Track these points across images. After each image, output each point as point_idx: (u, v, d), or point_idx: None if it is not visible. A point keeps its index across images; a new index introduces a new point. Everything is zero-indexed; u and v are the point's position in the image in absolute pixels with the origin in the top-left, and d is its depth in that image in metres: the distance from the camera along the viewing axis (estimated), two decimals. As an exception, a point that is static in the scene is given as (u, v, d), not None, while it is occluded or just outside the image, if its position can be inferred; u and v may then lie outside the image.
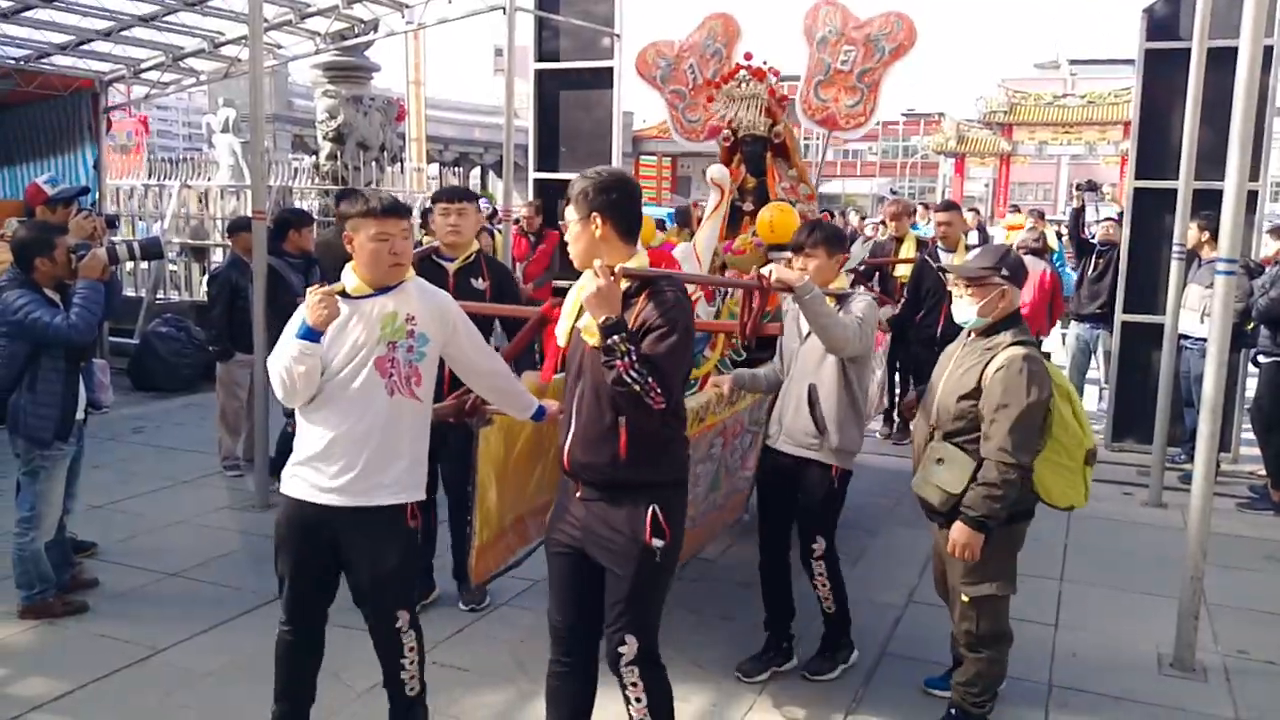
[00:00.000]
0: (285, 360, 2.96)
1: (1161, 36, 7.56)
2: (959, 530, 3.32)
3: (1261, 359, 6.44)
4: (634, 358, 2.67)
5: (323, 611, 3.30)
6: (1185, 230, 6.52)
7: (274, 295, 6.02)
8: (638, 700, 2.90)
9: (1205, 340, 6.81)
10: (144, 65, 10.16)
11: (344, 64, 11.13)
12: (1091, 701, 3.75)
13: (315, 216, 10.17)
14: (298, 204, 10.70)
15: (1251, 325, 6.47)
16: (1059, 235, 11.82)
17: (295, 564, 3.17)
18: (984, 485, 3.25)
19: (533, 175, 9.92)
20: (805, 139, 7.04)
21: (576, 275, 2.92)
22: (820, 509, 3.93)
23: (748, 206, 5.43)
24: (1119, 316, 7.85)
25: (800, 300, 3.62)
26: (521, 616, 4.55)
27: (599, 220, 2.82)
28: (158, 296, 10.80)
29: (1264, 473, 6.64)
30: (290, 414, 6.15)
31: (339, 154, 10.80)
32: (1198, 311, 6.81)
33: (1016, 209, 13.30)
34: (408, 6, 10.12)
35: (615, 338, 2.68)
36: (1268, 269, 6.75)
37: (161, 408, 8.78)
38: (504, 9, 8.46)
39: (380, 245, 3.04)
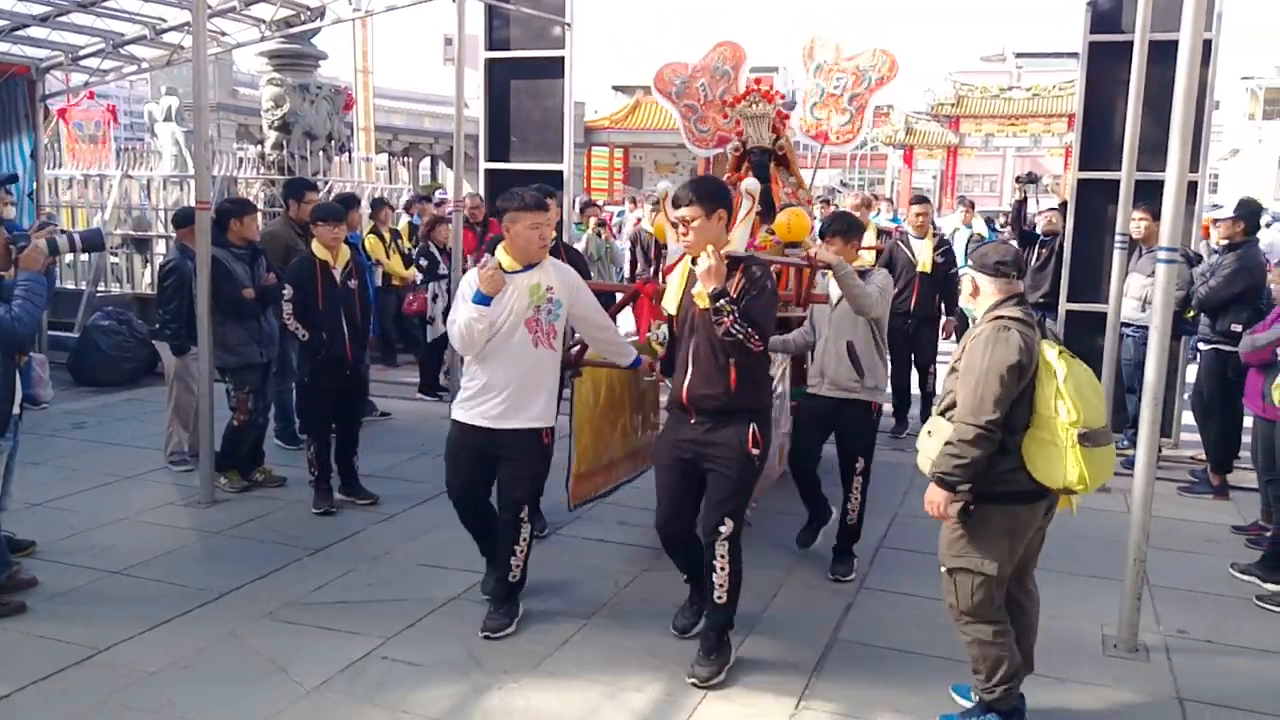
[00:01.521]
0: (466, 320, 3.98)
1: (1104, 29, 7.67)
2: (929, 488, 3.44)
3: (1201, 346, 6.58)
4: (737, 314, 3.65)
5: (483, 499, 4.41)
6: (1128, 220, 6.64)
7: (219, 287, 5.92)
8: (722, 569, 3.91)
9: (1147, 328, 7.00)
10: (83, 52, 9.92)
11: (290, 52, 10.92)
12: (1037, 683, 3.81)
13: (260, 206, 10.04)
14: (243, 194, 10.49)
15: (1191, 313, 6.61)
16: (989, 223, 12.08)
17: (461, 469, 4.29)
18: (947, 444, 3.36)
19: (483, 165, 9.83)
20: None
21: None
22: (865, 436, 5.03)
23: (757, 206, 5.91)
24: (1063, 305, 7.98)
25: (836, 274, 4.72)
26: (473, 610, 4.52)
27: (722, 214, 3.82)
28: (98, 289, 10.55)
29: (1204, 457, 6.78)
30: (235, 408, 6.17)
31: (285, 143, 10.60)
32: (1139, 300, 6.96)
33: (965, 201, 13.73)
34: (355, -7, 9.99)
35: (722, 301, 3.66)
36: (1206, 258, 6.90)
37: (102, 403, 8.59)
38: (453, -4, 8.37)
39: (532, 233, 4.05)
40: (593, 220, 12.01)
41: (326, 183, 10.59)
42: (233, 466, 6.27)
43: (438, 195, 11.63)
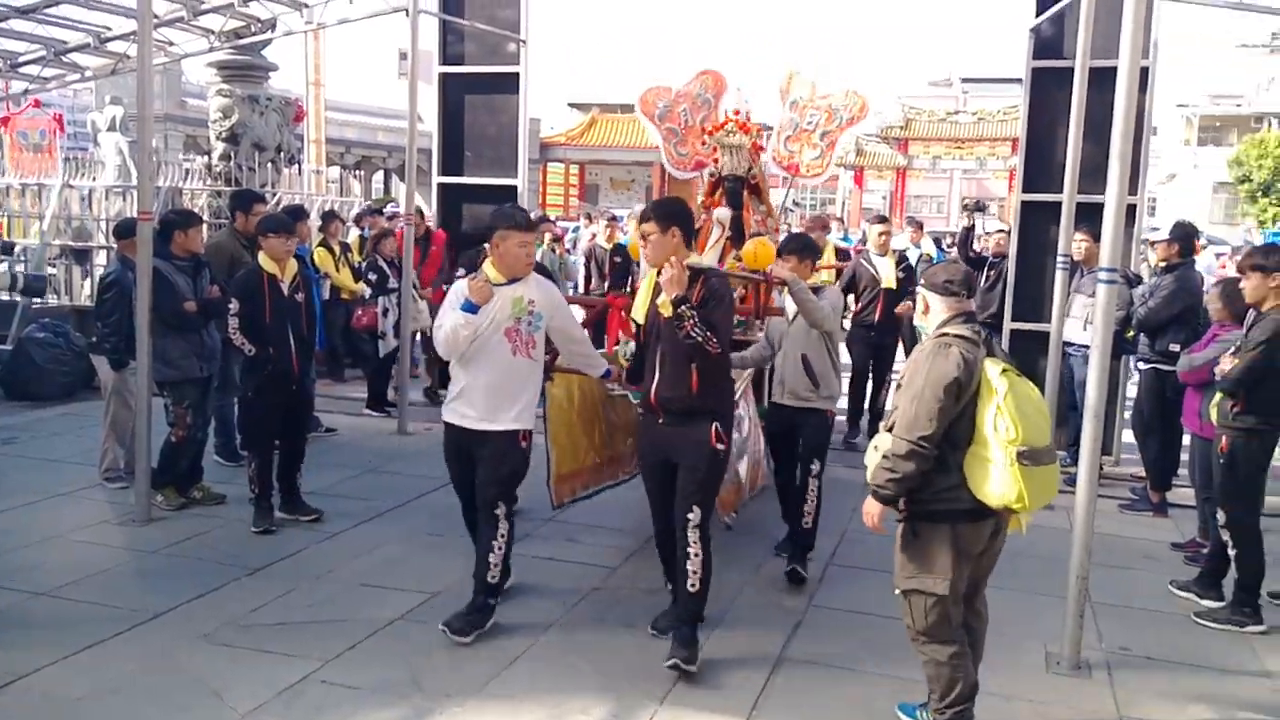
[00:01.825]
0: (452, 325, 4.26)
1: (1047, 55, 7.82)
2: (866, 499, 3.51)
3: (1141, 366, 6.70)
4: (696, 319, 3.97)
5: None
6: (1069, 242, 6.76)
7: (161, 300, 5.79)
8: (695, 555, 4.19)
9: (1087, 347, 7.11)
10: (22, 59, 9.71)
11: (239, 63, 10.76)
12: (982, 701, 3.81)
13: (206, 218, 9.86)
14: (188, 205, 10.30)
15: (1131, 333, 6.73)
16: (937, 243, 12.31)
17: (452, 465, 4.60)
18: (883, 457, 3.41)
19: (436, 180, 9.77)
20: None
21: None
22: (820, 441, 5.34)
23: (727, 233, 6.47)
24: (1007, 324, 8.09)
25: (791, 290, 5.09)
26: (417, 632, 4.44)
27: (676, 231, 4.18)
28: (34, 301, 10.28)
29: (1143, 475, 6.90)
30: (174, 423, 6.02)
31: (233, 155, 10.43)
32: (1081, 319, 7.08)
33: (914, 221, 14.08)
34: (307, 6, 9.89)
35: (684, 308, 3.98)
36: (1146, 279, 7.04)
37: (36, 417, 8.35)
38: (407, 11, 8.31)
39: (520, 250, 4.37)
40: (547, 236, 12.01)
41: (275, 195, 10.44)
42: (170, 483, 6.11)
43: (389, 208, 11.51)
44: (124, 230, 6.45)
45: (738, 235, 6.45)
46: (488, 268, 4.39)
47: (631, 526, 5.99)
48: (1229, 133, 49.16)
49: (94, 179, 11.30)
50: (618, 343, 5.50)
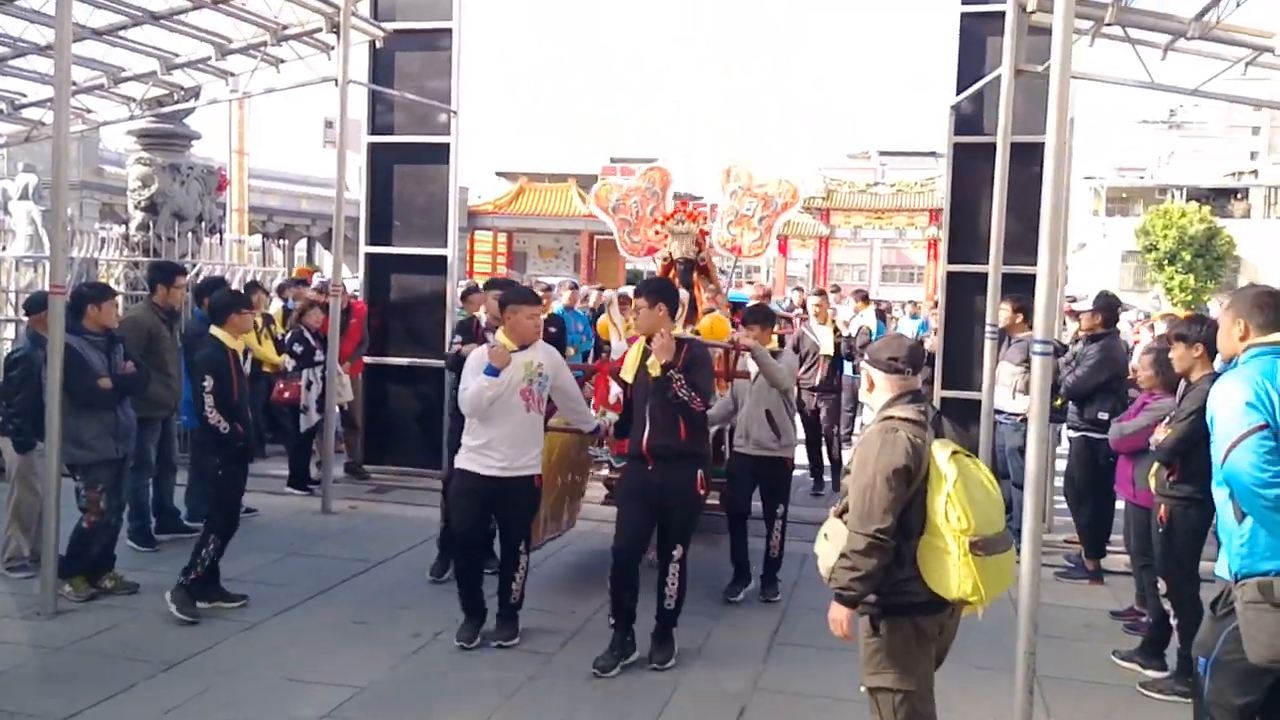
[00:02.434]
0: (477, 388, 4.93)
1: (967, 131, 8.09)
2: (831, 606, 3.30)
3: (1070, 434, 6.79)
4: (683, 381, 4.80)
5: (480, 541, 5.39)
6: (996, 310, 6.88)
7: (73, 377, 5.51)
8: (672, 584, 5.00)
9: (1016, 415, 7.22)
10: (-71, 124, 9.36)
11: (161, 131, 10.47)
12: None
13: (123, 290, 9.52)
14: (104, 276, 9.94)
15: (1060, 402, 6.83)
16: (882, 315, 12.62)
17: (465, 515, 5.16)
18: (842, 556, 3.22)
19: (364, 249, 9.62)
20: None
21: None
22: (783, 486, 6.22)
23: (684, 311, 7.12)
24: (937, 393, 8.18)
25: (755, 355, 5.90)
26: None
27: (662, 306, 5.00)
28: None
29: (1077, 539, 6.95)
30: (85, 508, 5.69)
31: (152, 224, 10.09)
32: (1009, 388, 7.21)
33: (836, 289, 14.57)
34: (233, 74, 9.74)
35: (671, 371, 4.80)
36: (1070, 347, 7.18)
37: (-65, 501, 7.86)
38: (336, 81, 8.23)
39: (530, 321, 5.11)
40: (482, 308, 11.82)
41: (195, 266, 10.14)
42: (79, 572, 5.76)
43: (316, 279, 11.27)
44: (34, 304, 6.18)
45: (690, 311, 7.17)
46: (501, 336, 5.12)
47: (569, 607, 5.82)
48: (1135, 203, 51.49)
49: (3, 249, 10.88)
50: (598, 409, 6.38)
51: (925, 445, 3.24)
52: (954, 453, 3.24)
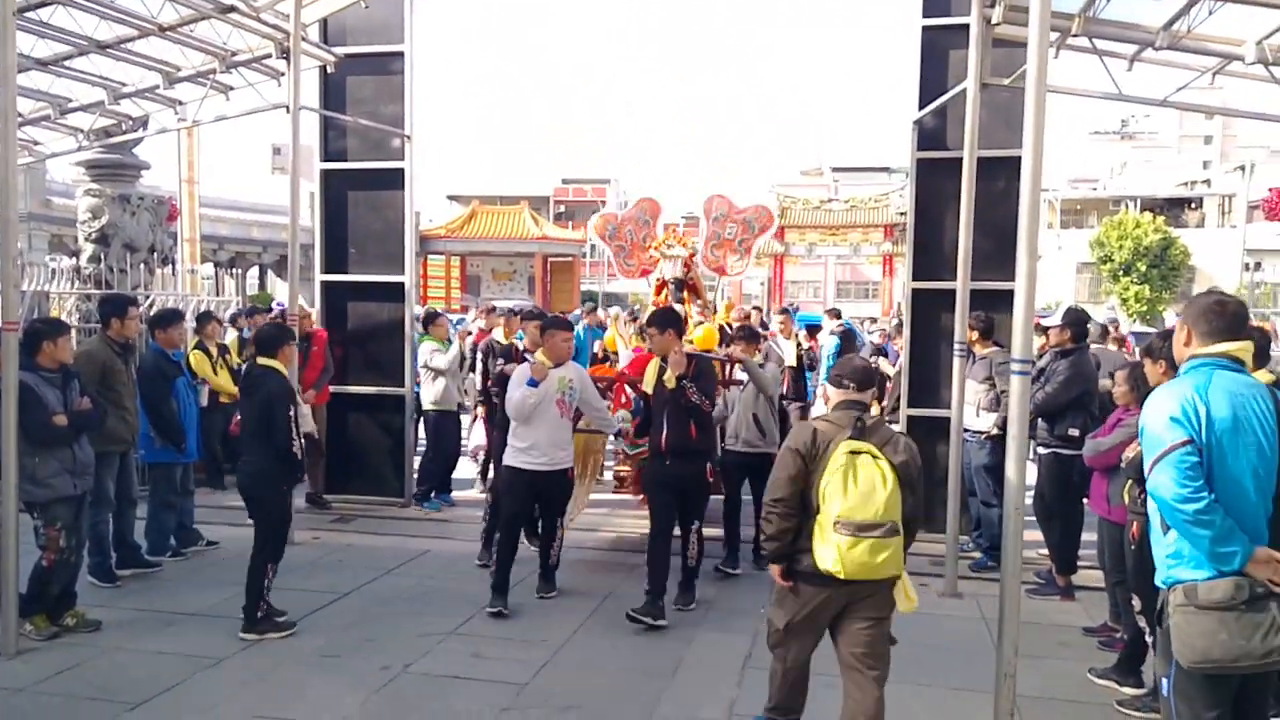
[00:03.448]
0: (521, 396, 6.09)
1: (930, 146, 8.01)
2: None
3: (1040, 450, 6.81)
4: (695, 388, 6.02)
5: (522, 526, 6.64)
6: (964, 328, 6.87)
7: (28, 415, 5.36)
8: (693, 549, 6.39)
9: (982, 433, 7.25)
10: None
11: (110, 162, 10.29)
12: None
13: (74, 323, 9.31)
14: (56, 309, 9.71)
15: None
16: (849, 335, 13.17)
17: (517, 499, 6.34)
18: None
19: (319, 277, 9.49)
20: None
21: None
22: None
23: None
24: (904, 410, 8.20)
25: (746, 367, 7.07)
26: None
27: (671, 332, 6.24)
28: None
29: (1046, 553, 6.98)
30: (45, 546, 5.54)
31: (103, 256, 9.90)
32: (974, 405, 7.20)
33: (796, 309, 15.14)
34: (181, 103, 9.61)
35: (685, 380, 6.03)
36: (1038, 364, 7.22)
37: (-120, 545, 7.59)
38: (288, 108, 8.14)
39: (564, 344, 6.37)
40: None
41: (149, 297, 9.96)
42: (40, 611, 5.62)
43: (276, 307, 11.10)
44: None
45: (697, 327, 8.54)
46: (540, 355, 6.38)
47: (541, 636, 5.76)
48: (1089, 215, 52.44)
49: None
50: (616, 413, 7.59)
51: (830, 439, 3.84)
52: (854, 451, 3.78)
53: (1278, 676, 3.30)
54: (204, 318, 9.35)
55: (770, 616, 4.17)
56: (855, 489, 3.70)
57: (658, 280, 8.77)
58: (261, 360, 5.78)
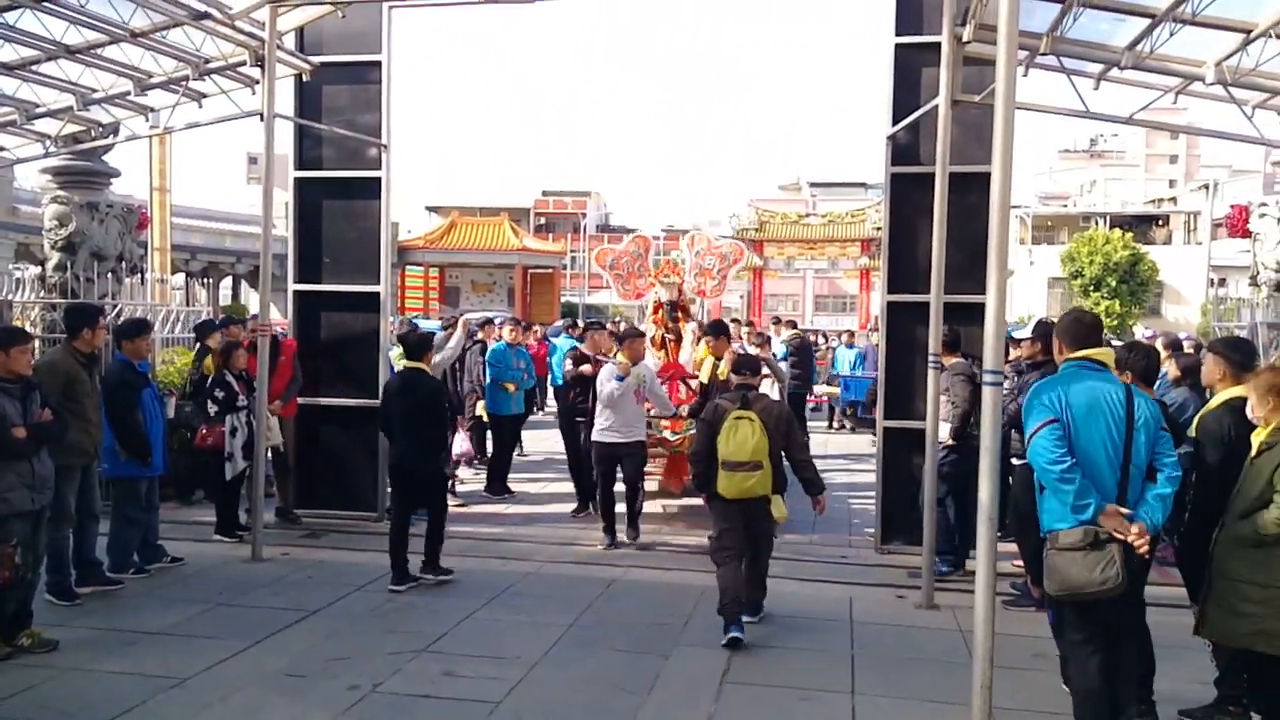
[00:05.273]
0: (611, 388, 8.20)
1: (904, 161, 8.07)
2: None
3: (1014, 461, 6.78)
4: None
5: (612, 484, 8.48)
6: (939, 341, 6.87)
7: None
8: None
9: (940, 442, 7.22)
10: None
11: (78, 169, 10.10)
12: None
13: (39, 333, 9.13)
14: (19, 319, 9.52)
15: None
16: (802, 345, 14.59)
17: (604, 463, 8.36)
18: None
19: (293, 287, 9.35)
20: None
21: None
22: None
23: (670, 338, 10.83)
24: (880, 423, 8.18)
25: (767, 362, 8.92)
26: None
27: (724, 338, 9.15)
28: None
29: (1020, 564, 6.95)
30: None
31: (70, 264, 9.72)
32: (942, 418, 7.19)
33: (778, 320, 15.78)
34: (153, 110, 9.48)
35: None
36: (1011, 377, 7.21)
37: None
38: (261, 116, 8.02)
39: (641, 347, 8.68)
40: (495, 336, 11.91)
41: (116, 307, 9.79)
42: (-7, 632, 5.45)
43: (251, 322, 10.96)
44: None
45: (675, 340, 10.75)
46: (622, 356, 8.40)
47: (515, 653, 5.65)
48: (1060, 231, 52.96)
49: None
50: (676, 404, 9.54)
51: (726, 410, 6.02)
52: (738, 417, 5.94)
53: (1134, 613, 4.32)
54: (205, 326, 9.45)
55: (710, 527, 6.29)
56: (734, 440, 5.88)
57: (655, 302, 11.07)
58: (410, 363, 7.23)
